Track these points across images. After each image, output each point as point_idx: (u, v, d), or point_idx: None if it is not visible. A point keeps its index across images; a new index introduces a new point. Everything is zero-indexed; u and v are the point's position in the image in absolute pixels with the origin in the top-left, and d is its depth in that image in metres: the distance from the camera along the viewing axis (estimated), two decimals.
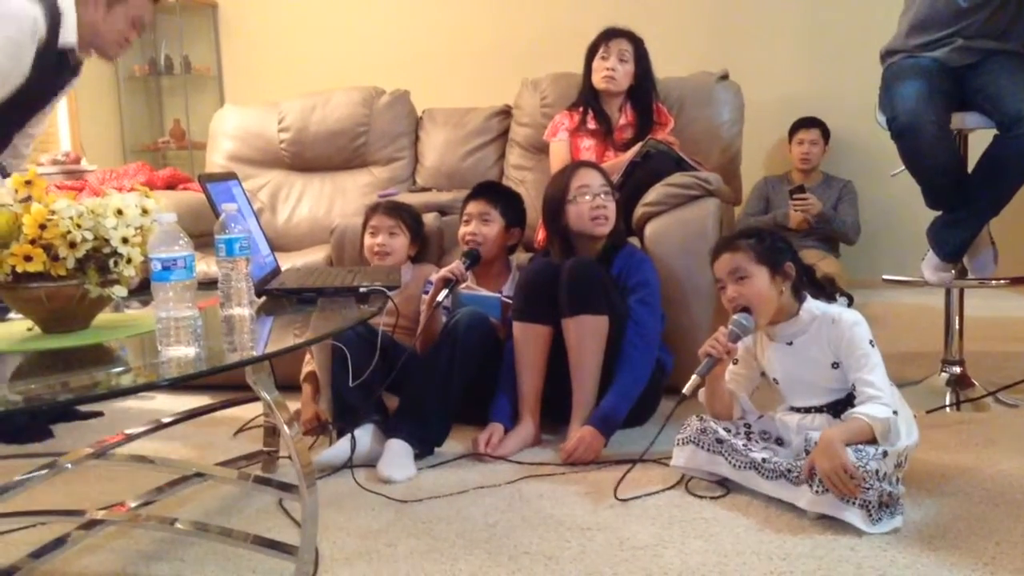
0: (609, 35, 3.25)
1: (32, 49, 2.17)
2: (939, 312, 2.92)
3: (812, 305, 2.08)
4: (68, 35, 2.25)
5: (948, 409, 2.72)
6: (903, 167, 2.65)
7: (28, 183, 1.72)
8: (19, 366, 1.64)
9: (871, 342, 2.02)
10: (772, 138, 4.67)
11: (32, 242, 1.64)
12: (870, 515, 1.84)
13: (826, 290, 2.14)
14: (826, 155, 4.48)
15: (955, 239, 2.68)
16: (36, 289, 1.65)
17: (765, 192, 4.44)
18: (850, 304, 3.94)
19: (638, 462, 2.23)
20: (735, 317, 2.08)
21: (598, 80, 3.24)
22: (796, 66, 4.62)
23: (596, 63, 3.24)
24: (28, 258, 1.63)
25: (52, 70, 2.29)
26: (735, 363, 2.20)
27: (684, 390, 2.09)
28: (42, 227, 1.64)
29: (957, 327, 2.87)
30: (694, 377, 2.09)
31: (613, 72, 3.21)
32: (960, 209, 2.64)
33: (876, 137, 2.84)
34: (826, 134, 4.47)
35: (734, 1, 4.62)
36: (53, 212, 1.65)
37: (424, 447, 2.40)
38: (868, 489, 1.83)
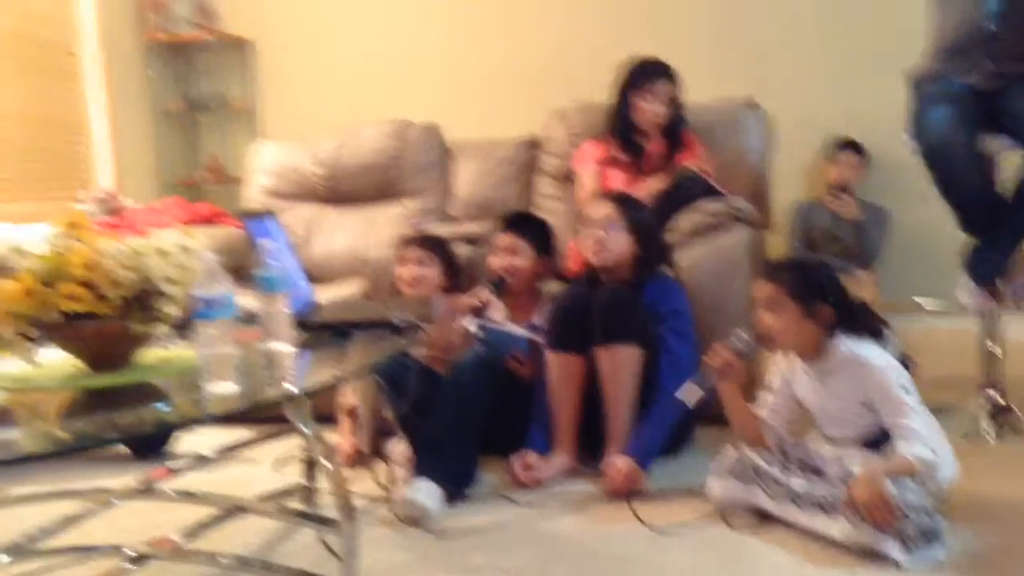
0: (652, 74, 3.21)
1: None
2: (975, 336, 2.90)
3: (842, 345, 2.07)
4: None
5: (986, 436, 2.69)
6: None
7: (74, 225, 1.77)
8: (67, 403, 1.69)
9: (904, 387, 2.00)
10: (805, 161, 4.66)
11: (78, 282, 1.68)
12: (907, 547, 1.83)
13: (872, 328, 2.12)
14: (862, 179, 4.44)
15: (989, 263, 2.67)
16: (82, 328, 1.70)
17: (804, 218, 4.41)
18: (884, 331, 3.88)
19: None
20: (736, 330, 2.10)
21: (642, 121, 3.23)
22: (825, 88, 4.60)
23: (638, 102, 3.21)
24: (75, 298, 1.67)
25: None
26: (771, 393, 2.21)
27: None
28: (88, 268, 1.69)
29: (994, 352, 2.84)
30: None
31: (657, 117, 3.22)
32: (993, 232, 2.62)
33: (909, 158, 2.83)
34: (864, 158, 4.44)
35: (759, 26, 4.63)
36: (99, 253, 1.70)
37: (452, 487, 2.34)
38: (906, 520, 1.83)
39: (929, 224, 4.28)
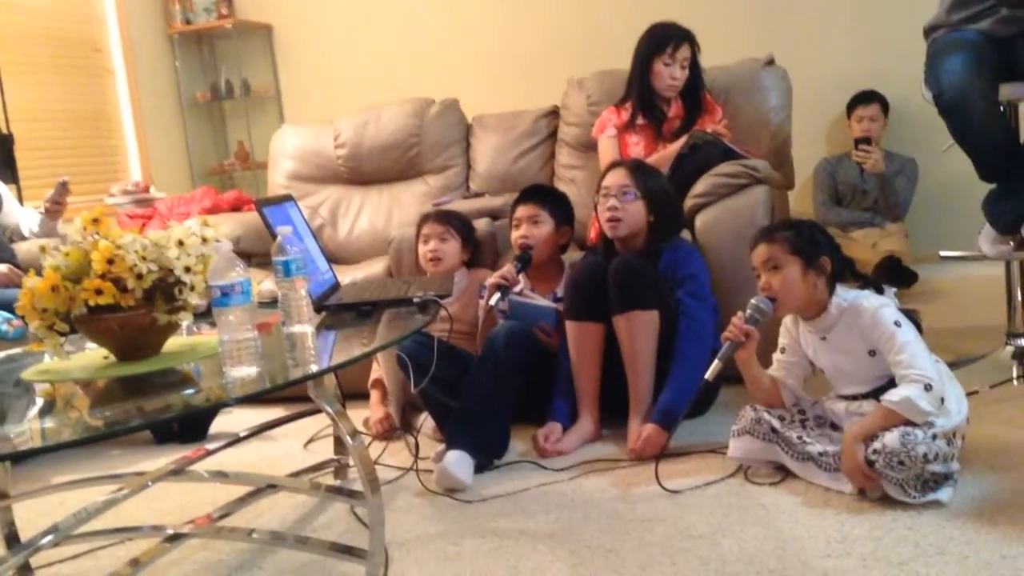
0: (673, 39, 3.19)
1: None
2: (1002, 284, 2.88)
3: (839, 298, 2.09)
4: None
5: (1015, 382, 2.68)
6: (953, 142, 2.62)
7: (95, 220, 1.83)
8: (98, 393, 1.76)
9: (897, 322, 2.01)
10: (828, 118, 4.61)
11: (102, 276, 1.75)
12: (906, 492, 1.90)
13: (870, 281, 2.13)
14: (886, 130, 4.40)
15: (1010, 211, 2.64)
16: (108, 320, 1.76)
17: (830, 173, 4.39)
18: (913, 283, 3.87)
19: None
20: (752, 301, 2.12)
21: (662, 87, 3.22)
22: (847, 43, 4.54)
23: (659, 67, 3.20)
24: (99, 291, 1.74)
25: None
26: (782, 352, 2.22)
27: (706, 375, 2.17)
28: (110, 262, 1.75)
29: (1020, 299, 2.82)
30: (715, 362, 2.16)
31: (676, 81, 3.22)
32: (1013, 180, 2.60)
33: (933, 111, 2.79)
34: (885, 108, 4.39)
35: None
36: (119, 247, 1.76)
37: (484, 457, 2.41)
38: (910, 471, 1.87)
39: (958, 176, 4.23)
